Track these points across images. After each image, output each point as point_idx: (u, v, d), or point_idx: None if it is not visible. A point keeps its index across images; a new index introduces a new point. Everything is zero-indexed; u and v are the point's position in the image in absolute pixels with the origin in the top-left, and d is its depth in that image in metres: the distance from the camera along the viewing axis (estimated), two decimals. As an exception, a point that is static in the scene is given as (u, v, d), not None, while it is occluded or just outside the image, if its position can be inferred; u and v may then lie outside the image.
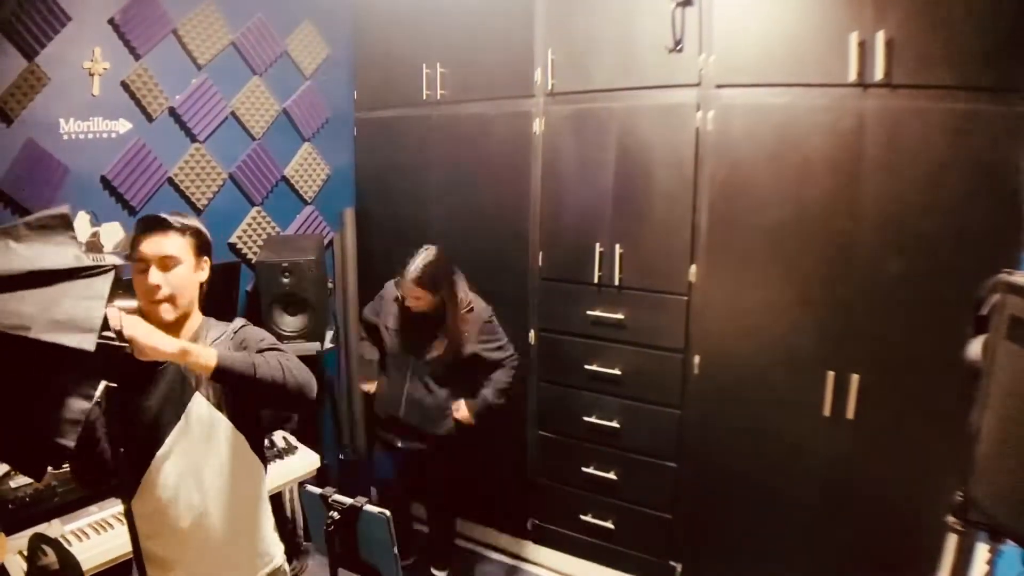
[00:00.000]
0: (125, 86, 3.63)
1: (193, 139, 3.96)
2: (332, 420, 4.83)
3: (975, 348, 2.16)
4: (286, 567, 2.47)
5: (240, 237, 4.27)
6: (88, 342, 1.59)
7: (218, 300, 3.99)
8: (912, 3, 2.83)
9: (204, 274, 2.40)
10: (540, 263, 3.93)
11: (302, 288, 3.94)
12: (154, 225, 2.17)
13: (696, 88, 3.35)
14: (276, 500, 4.05)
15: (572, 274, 3.82)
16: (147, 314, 2.13)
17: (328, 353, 4.55)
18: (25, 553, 2.83)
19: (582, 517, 3.93)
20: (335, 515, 2.62)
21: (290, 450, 3.97)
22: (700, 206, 3.40)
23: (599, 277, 3.70)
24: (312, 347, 4.07)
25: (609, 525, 3.85)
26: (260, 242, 4.34)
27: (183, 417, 2.14)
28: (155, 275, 2.13)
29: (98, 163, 3.58)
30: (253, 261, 4.22)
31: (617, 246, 3.62)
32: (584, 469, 3.90)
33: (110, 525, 3.15)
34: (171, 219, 2.21)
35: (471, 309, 3.76)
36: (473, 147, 4.12)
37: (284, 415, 4.26)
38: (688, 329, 3.51)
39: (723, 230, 3.36)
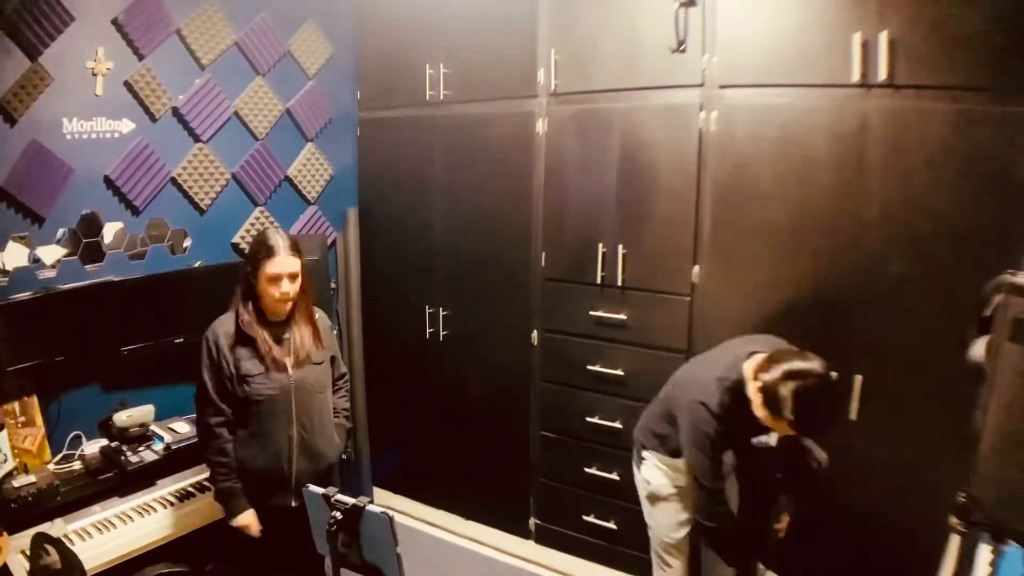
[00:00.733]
0: (128, 86, 3.64)
1: (196, 139, 3.97)
2: (335, 420, 4.83)
3: (978, 349, 2.16)
4: None
5: (243, 237, 4.28)
6: None
7: (221, 301, 4.00)
8: (915, 3, 2.82)
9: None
10: (543, 263, 3.92)
11: (305, 288, 3.94)
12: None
13: (699, 88, 3.35)
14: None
15: (575, 274, 3.81)
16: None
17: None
18: (28, 552, 2.84)
19: (584, 517, 3.93)
20: (337, 515, 2.62)
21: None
22: (703, 206, 3.39)
23: (602, 277, 3.70)
24: (315, 347, 4.06)
25: (611, 526, 3.84)
26: (263, 242, 4.35)
27: None
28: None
29: (101, 163, 3.59)
30: (256, 261, 4.23)
31: (620, 246, 3.62)
32: (587, 469, 3.90)
33: (112, 524, 3.17)
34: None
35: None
36: (476, 147, 4.11)
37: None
38: (691, 330, 3.50)
39: (726, 231, 3.36)
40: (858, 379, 3.05)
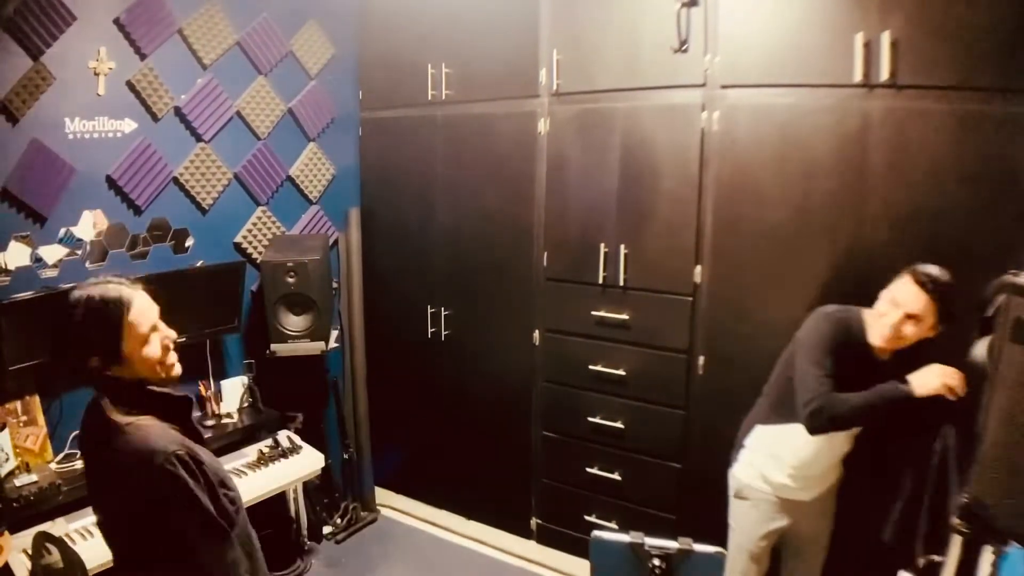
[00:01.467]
0: (130, 86, 3.64)
1: (198, 139, 3.97)
2: (336, 420, 4.83)
3: (980, 350, 2.15)
4: None
5: (245, 237, 4.28)
6: None
7: (223, 300, 4.01)
8: (917, 4, 2.82)
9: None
10: (545, 263, 3.92)
11: (307, 288, 3.95)
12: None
13: (701, 89, 3.35)
14: (280, 500, 4.06)
15: (577, 274, 3.81)
16: None
17: (332, 353, 4.56)
18: (29, 552, 2.84)
19: (586, 517, 3.92)
20: (657, 563, 2.48)
21: (295, 449, 3.98)
22: (705, 207, 3.39)
23: (604, 277, 3.70)
24: (317, 347, 4.07)
25: (613, 525, 3.83)
26: (265, 242, 4.35)
27: None
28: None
29: (103, 163, 3.59)
30: (258, 261, 4.23)
31: (622, 246, 3.62)
32: (588, 469, 3.90)
33: (114, 524, 3.15)
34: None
35: None
36: (478, 147, 4.12)
37: (290, 415, 4.27)
38: (693, 330, 3.50)
39: (728, 231, 3.36)
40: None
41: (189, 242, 4.01)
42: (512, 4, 3.89)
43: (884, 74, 2.89)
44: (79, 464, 3.38)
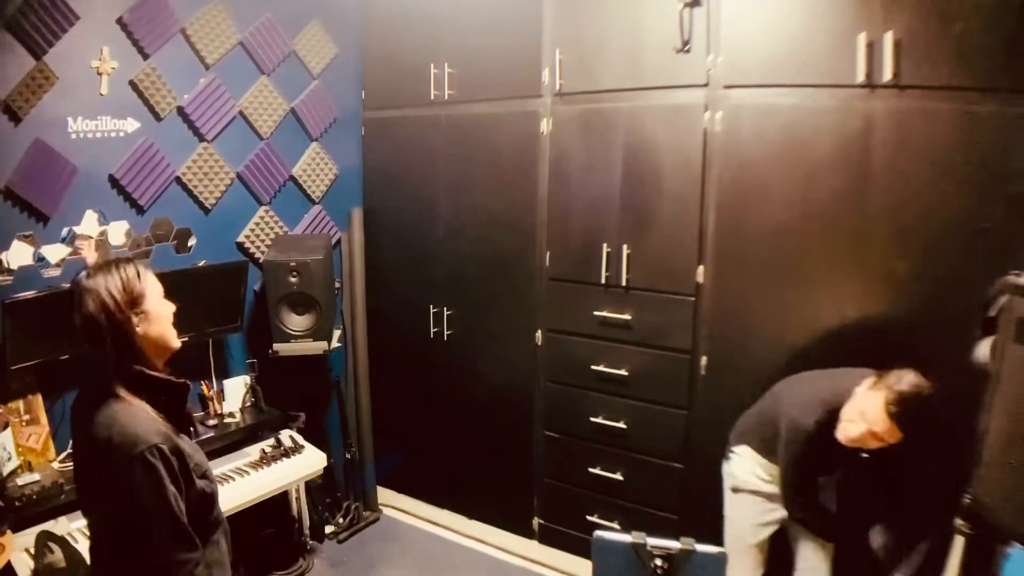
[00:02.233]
0: (133, 85, 3.64)
1: (201, 138, 3.97)
2: (338, 419, 4.83)
3: (983, 350, 2.16)
4: None
5: (248, 236, 4.28)
6: None
7: (225, 299, 4.01)
8: (920, 4, 2.81)
9: None
10: (547, 263, 3.92)
11: (309, 287, 3.95)
12: None
13: (704, 89, 3.35)
14: (282, 499, 4.06)
15: (579, 274, 3.81)
16: None
17: (335, 353, 4.56)
18: (31, 551, 2.84)
19: (588, 517, 3.92)
20: (659, 563, 2.48)
21: (297, 449, 3.98)
22: (708, 207, 3.39)
23: (606, 277, 3.70)
24: (319, 346, 4.07)
25: (615, 526, 3.83)
26: (268, 241, 4.35)
27: None
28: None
29: (106, 162, 3.59)
30: (261, 260, 4.24)
31: (624, 246, 3.62)
32: (590, 469, 3.90)
33: (117, 523, 3.15)
34: None
35: None
36: (480, 147, 4.11)
37: (292, 415, 4.27)
38: (695, 330, 3.50)
39: (731, 231, 3.35)
40: (862, 380, 3.04)
41: (192, 242, 4.01)
42: (515, 4, 3.89)
43: (887, 74, 2.88)
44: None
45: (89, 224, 3.56)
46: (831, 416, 2.75)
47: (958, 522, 2.16)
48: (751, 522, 3.10)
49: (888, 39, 2.86)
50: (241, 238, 4.27)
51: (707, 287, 3.44)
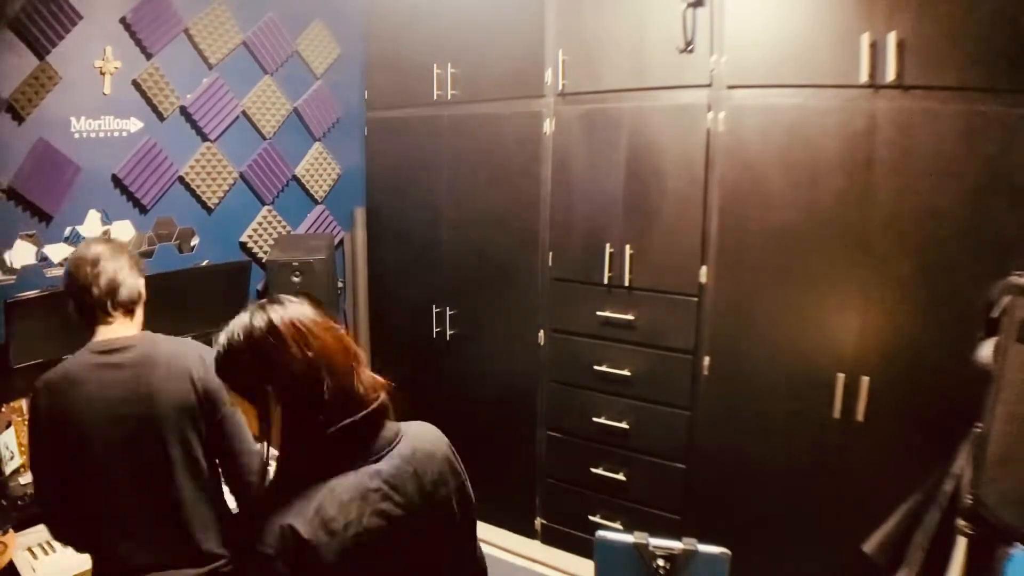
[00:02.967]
0: (136, 85, 3.65)
1: (204, 138, 3.98)
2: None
3: (986, 351, 2.15)
4: None
5: (251, 236, 4.29)
6: None
7: (228, 299, 4.01)
8: (924, 4, 2.81)
9: None
10: (550, 263, 3.91)
11: (312, 287, 3.95)
12: None
13: (707, 89, 3.34)
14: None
15: (582, 274, 3.81)
16: None
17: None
18: (34, 550, 2.84)
19: (591, 518, 3.92)
20: (662, 563, 2.48)
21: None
22: (711, 207, 3.38)
23: (609, 278, 3.69)
24: (322, 346, 4.06)
25: (618, 526, 3.83)
26: (271, 241, 4.36)
27: None
28: None
29: (109, 162, 3.60)
30: (264, 260, 4.24)
31: (627, 247, 3.61)
32: (593, 470, 3.89)
33: (119, 522, 3.16)
34: None
35: None
36: (483, 147, 4.11)
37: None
38: (698, 330, 3.49)
39: (734, 231, 3.35)
40: (865, 380, 3.03)
41: (194, 241, 4.02)
42: (518, 4, 3.88)
43: (890, 75, 2.88)
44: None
45: (92, 224, 3.57)
46: None
47: (960, 523, 2.16)
48: None
49: (891, 39, 2.85)
50: (244, 238, 4.28)
51: (710, 287, 3.43)
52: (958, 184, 2.82)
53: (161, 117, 3.78)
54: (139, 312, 2.31)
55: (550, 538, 4.18)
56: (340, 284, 4.67)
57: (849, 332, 3.09)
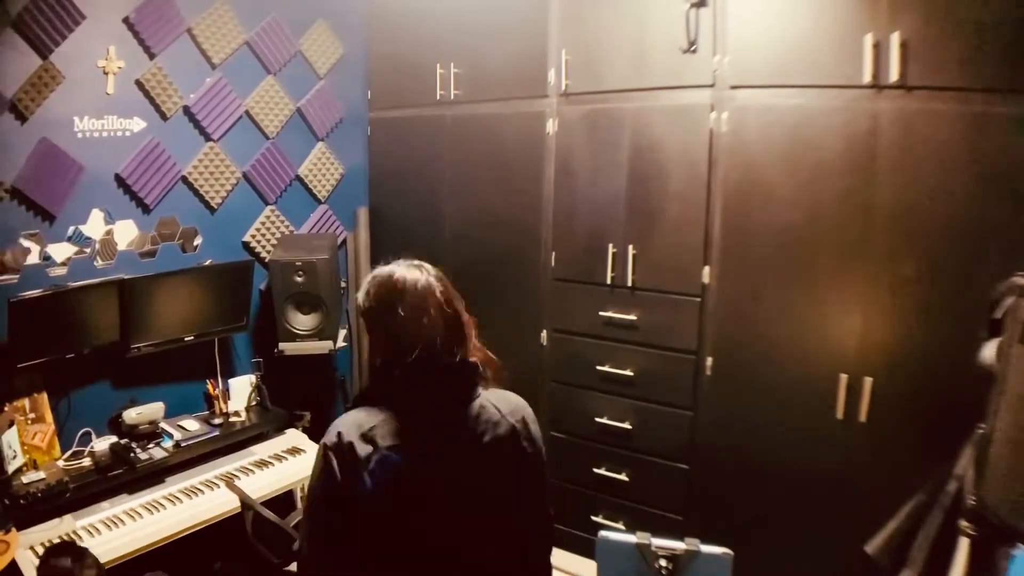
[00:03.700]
0: (139, 85, 3.65)
1: (207, 138, 3.98)
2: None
3: (989, 352, 2.15)
4: None
5: (254, 236, 4.29)
6: None
7: (231, 299, 4.02)
8: (927, 4, 2.80)
9: None
10: (553, 263, 3.92)
11: (315, 287, 3.95)
12: None
13: (710, 89, 3.34)
14: (288, 498, 4.06)
15: (585, 275, 3.81)
16: None
17: (340, 352, 4.56)
18: (36, 549, 2.84)
19: (593, 518, 3.91)
20: (664, 563, 2.48)
21: (302, 448, 3.98)
22: (714, 207, 3.38)
23: (612, 278, 3.69)
24: (325, 346, 4.08)
25: (620, 526, 3.83)
26: (274, 241, 4.36)
27: None
28: None
29: (112, 161, 3.60)
30: (267, 260, 4.24)
31: (630, 247, 3.61)
32: (595, 470, 3.89)
33: (121, 521, 3.17)
34: None
35: None
36: (486, 147, 4.11)
37: (297, 414, 4.28)
38: (701, 330, 3.49)
39: (737, 231, 3.35)
40: (868, 381, 3.03)
41: (197, 241, 4.02)
42: (521, 4, 3.89)
43: (893, 75, 2.87)
44: (86, 462, 3.40)
45: (95, 223, 3.57)
46: None
47: (963, 524, 2.15)
48: None
49: (895, 40, 2.85)
50: (247, 237, 4.28)
51: (713, 288, 3.43)
52: (961, 184, 2.82)
53: (164, 117, 3.78)
54: None
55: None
56: (343, 284, 4.67)
57: (852, 333, 3.09)
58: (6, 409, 3.23)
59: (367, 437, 1.65)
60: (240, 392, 4.12)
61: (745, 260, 3.34)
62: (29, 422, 3.33)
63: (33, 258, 3.36)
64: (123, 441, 3.48)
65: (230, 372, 4.21)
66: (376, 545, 1.65)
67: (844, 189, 3.06)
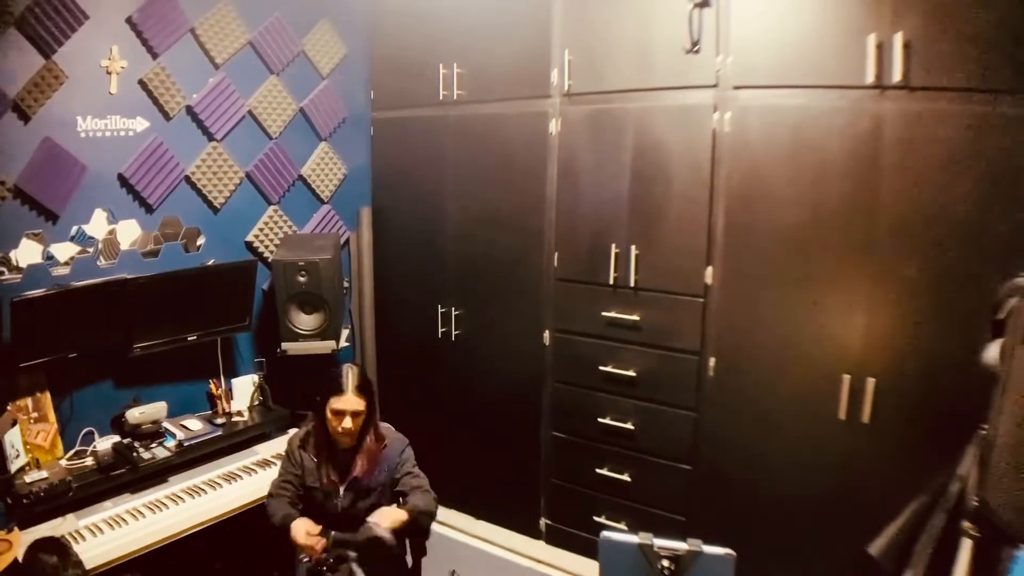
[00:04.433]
0: (142, 84, 3.66)
1: (210, 138, 3.98)
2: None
3: (992, 352, 2.15)
4: None
5: (257, 236, 4.29)
6: None
7: (234, 299, 4.02)
8: (930, 5, 2.79)
9: None
10: (555, 264, 3.91)
11: (318, 287, 3.96)
12: None
13: (713, 89, 3.33)
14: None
15: (587, 275, 3.80)
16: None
17: (343, 352, 4.56)
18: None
19: (595, 518, 3.91)
20: (666, 564, 2.47)
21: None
22: (716, 208, 3.38)
23: (615, 278, 3.69)
24: (327, 346, 4.08)
25: (622, 527, 3.82)
26: (277, 241, 4.37)
27: None
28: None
29: (115, 161, 3.61)
30: (270, 260, 4.24)
31: (633, 247, 3.61)
32: (598, 470, 3.89)
33: (124, 521, 3.18)
34: None
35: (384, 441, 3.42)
36: (489, 147, 4.11)
37: (300, 414, 4.28)
38: (704, 331, 3.49)
39: (739, 232, 3.34)
40: (871, 382, 3.03)
41: (200, 241, 4.03)
42: (524, 5, 3.88)
43: (897, 75, 2.87)
44: (89, 461, 3.40)
45: (98, 223, 3.57)
46: None
47: (966, 525, 2.15)
48: None
49: (898, 40, 2.84)
50: (250, 237, 4.28)
51: (716, 288, 3.43)
52: (964, 185, 2.81)
53: (167, 117, 3.78)
54: None
55: (555, 538, 4.18)
56: (346, 284, 4.67)
57: (855, 333, 3.08)
58: (9, 408, 3.23)
59: None
60: (243, 392, 4.13)
61: (748, 261, 3.33)
62: (32, 421, 3.34)
63: (36, 257, 3.37)
64: (126, 440, 3.48)
65: (233, 372, 4.22)
66: None
67: (847, 190, 3.05)
